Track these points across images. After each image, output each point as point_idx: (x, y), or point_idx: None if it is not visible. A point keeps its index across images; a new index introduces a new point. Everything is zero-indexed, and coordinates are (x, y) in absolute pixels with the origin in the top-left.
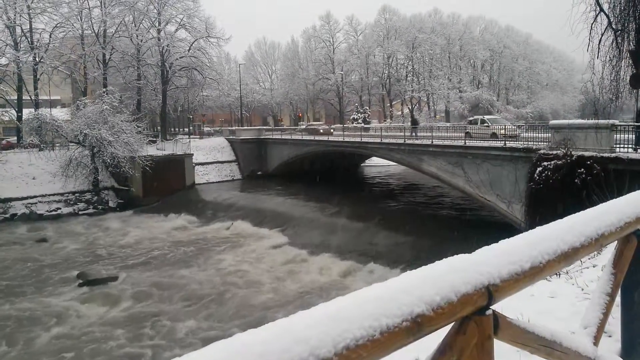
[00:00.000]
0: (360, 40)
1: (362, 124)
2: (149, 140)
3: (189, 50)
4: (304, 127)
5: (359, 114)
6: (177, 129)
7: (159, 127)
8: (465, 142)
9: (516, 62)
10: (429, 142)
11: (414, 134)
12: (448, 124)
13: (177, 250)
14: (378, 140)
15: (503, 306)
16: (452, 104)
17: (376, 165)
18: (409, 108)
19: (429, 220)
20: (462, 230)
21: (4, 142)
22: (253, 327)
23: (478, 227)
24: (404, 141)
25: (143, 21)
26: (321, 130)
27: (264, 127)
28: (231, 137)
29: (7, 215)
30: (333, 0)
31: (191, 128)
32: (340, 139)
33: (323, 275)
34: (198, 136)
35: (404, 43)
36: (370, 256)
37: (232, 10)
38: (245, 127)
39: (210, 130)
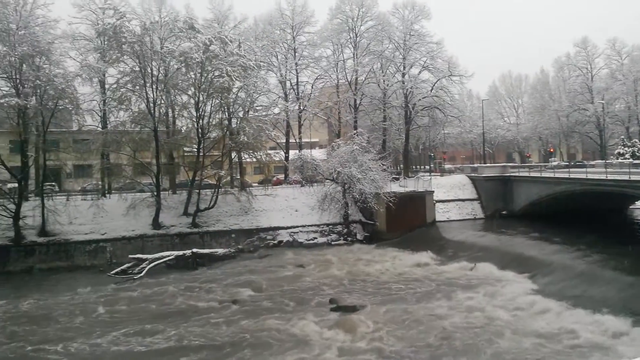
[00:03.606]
0: (626, 64)
1: (631, 159)
2: (393, 178)
3: (431, 90)
4: (555, 163)
5: (626, 148)
6: (418, 167)
7: (401, 165)
8: None
9: None
10: None
11: None
12: None
13: (418, 286)
14: None
15: None
16: None
17: None
18: None
19: None
20: None
21: (274, 179)
22: None
23: None
24: None
25: (389, 67)
26: None
27: (509, 164)
28: (473, 174)
29: (275, 242)
30: (589, 25)
31: (432, 165)
32: (602, 176)
33: (586, 332)
34: (439, 173)
35: None
36: None
37: (474, 47)
38: (488, 164)
39: (451, 167)
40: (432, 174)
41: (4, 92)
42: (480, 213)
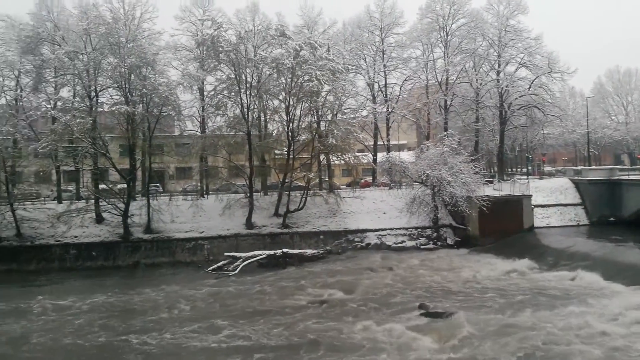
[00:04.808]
0: None
1: None
2: (486, 181)
3: (529, 88)
4: None
5: None
6: (514, 169)
7: (495, 168)
8: None
9: None
10: None
11: None
12: None
13: (514, 295)
14: None
15: None
16: None
17: None
18: None
19: None
20: None
21: (362, 181)
22: None
23: None
24: None
25: (483, 65)
26: None
27: (618, 167)
28: (576, 177)
29: (363, 244)
30: None
31: (530, 168)
32: None
33: None
34: (537, 176)
35: None
36: None
37: (577, 41)
38: (593, 167)
39: (551, 170)
40: (530, 177)
41: (115, 100)
42: (584, 219)
